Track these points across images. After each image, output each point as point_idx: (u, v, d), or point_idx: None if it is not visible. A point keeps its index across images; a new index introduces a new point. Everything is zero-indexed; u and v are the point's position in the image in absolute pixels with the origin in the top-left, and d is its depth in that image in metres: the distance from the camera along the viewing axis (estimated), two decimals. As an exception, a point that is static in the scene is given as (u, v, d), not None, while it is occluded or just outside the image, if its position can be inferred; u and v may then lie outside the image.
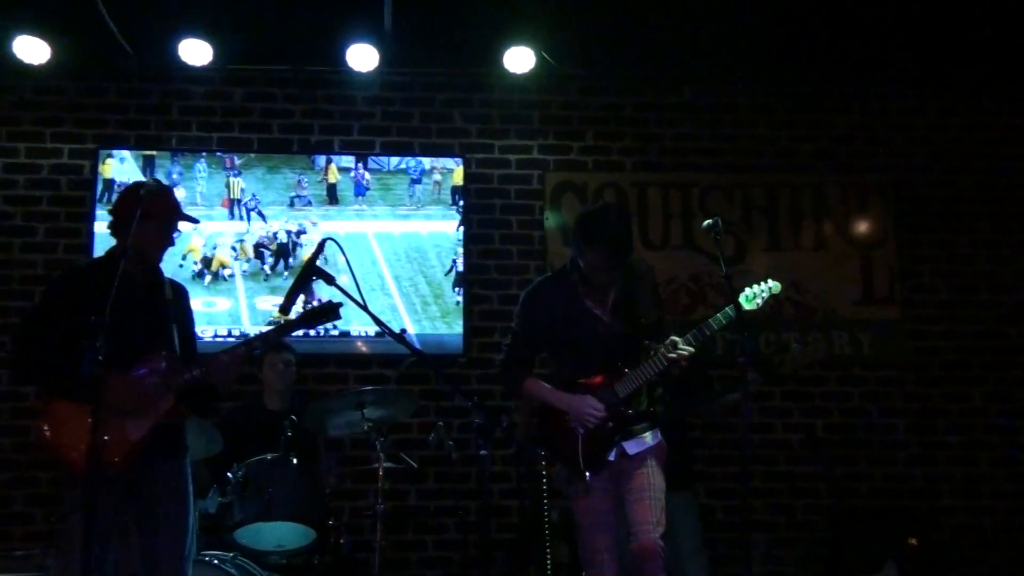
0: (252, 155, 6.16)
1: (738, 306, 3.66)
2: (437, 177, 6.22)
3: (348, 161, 6.21)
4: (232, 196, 6.09)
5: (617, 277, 3.74)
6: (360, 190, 6.19)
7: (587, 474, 3.67)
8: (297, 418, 4.58)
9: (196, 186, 6.09)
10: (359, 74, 6.01)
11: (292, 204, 6.11)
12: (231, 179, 6.11)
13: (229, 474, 4.34)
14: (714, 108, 6.40)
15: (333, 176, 6.19)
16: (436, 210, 6.17)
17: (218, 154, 6.13)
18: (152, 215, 3.50)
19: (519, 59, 5.94)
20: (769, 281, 3.85)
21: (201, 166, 6.13)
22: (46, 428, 3.35)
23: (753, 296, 3.81)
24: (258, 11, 5.64)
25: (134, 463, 3.39)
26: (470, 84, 6.28)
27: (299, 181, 6.14)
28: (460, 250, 6.12)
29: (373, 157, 6.21)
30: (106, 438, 3.30)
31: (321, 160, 6.19)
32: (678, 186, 6.30)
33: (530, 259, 6.16)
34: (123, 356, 3.40)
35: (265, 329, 3.70)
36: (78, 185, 5.97)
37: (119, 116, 6.08)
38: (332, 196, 6.15)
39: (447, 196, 6.19)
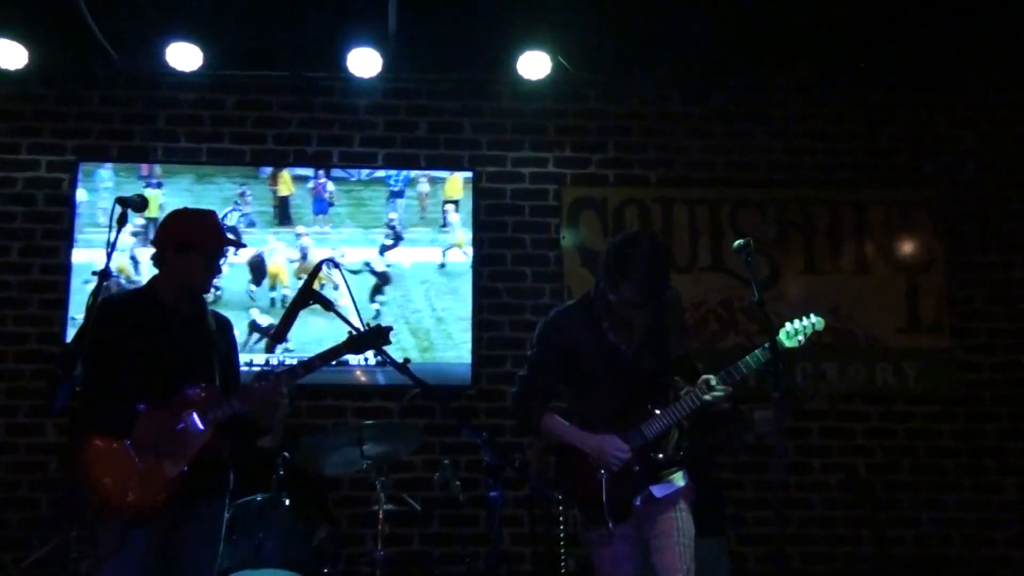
0: (176, 161, 5.78)
1: (775, 344, 3.63)
2: (424, 187, 5.74)
3: (305, 168, 5.76)
4: (148, 213, 5.44)
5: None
6: (321, 206, 5.67)
7: (610, 523, 3.62)
8: (290, 455, 4.56)
9: (98, 200, 5.52)
10: (361, 80, 6.03)
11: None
12: (147, 192, 5.62)
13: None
14: (745, 117, 6.42)
15: (285, 187, 5.72)
16: (422, 233, 5.69)
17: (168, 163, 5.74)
18: (194, 244, 3.59)
19: (534, 64, 5.95)
20: (812, 316, 3.82)
21: (105, 174, 5.58)
22: (87, 468, 3.40)
23: (795, 333, 3.79)
24: (251, 13, 5.68)
25: (174, 501, 3.44)
26: (481, 91, 6.31)
27: (242, 194, 5.66)
28: (380, 257, 5.62)
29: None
30: (143, 474, 3.39)
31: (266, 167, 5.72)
32: (706, 202, 6.30)
33: (545, 282, 6.16)
34: (161, 389, 3.49)
35: (308, 356, 3.70)
36: (56, 200, 6.00)
37: (101, 125, 6.14)
38: (283, 214, 5.69)
39: (437, 214, 5.74)
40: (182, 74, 5.94)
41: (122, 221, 3.46)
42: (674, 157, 6.37)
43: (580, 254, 6.16)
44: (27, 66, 5.84)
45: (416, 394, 5.49)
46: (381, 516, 4.41)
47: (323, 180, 5.68)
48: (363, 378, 5.86)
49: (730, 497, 5.71)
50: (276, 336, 3.46)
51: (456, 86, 6.31)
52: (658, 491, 3.68)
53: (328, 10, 5.66)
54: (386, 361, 3.43)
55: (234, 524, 4.29)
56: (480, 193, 6.18)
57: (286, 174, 5.78)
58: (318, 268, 3.58)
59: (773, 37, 5.88)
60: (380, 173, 5.82)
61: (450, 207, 6.00)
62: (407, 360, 3.38)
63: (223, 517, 3.67)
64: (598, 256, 3.93)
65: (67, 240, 5.92)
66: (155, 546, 3.43)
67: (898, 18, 5.72)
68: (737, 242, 3.72)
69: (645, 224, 6.20)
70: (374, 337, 3.52)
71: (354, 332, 3.46)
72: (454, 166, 6.20)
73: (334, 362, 5.63)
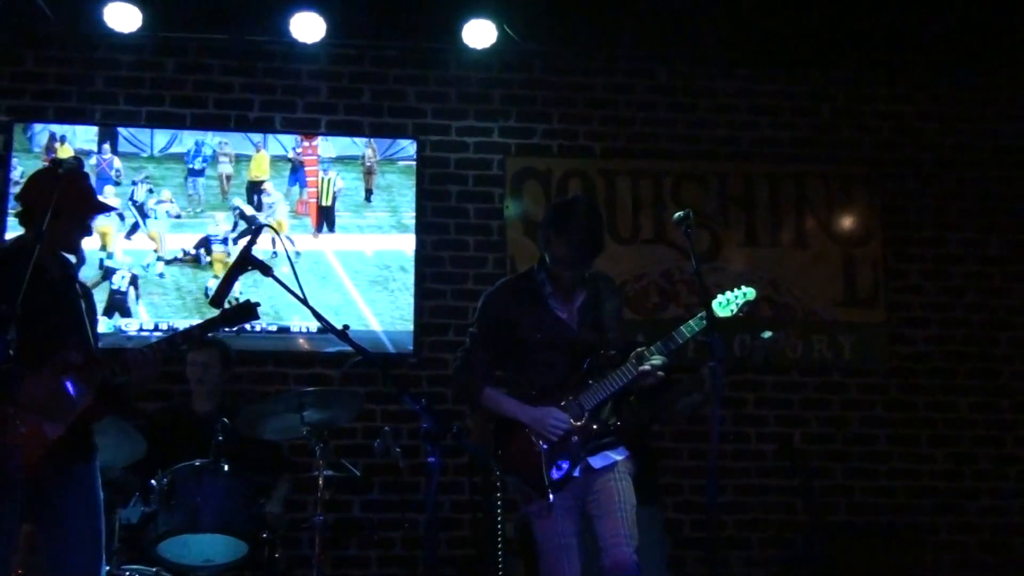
0: (116, 124, 5.58)
1: (710, 312, 3.71)
2: (226, 168, 5.48)
3: (88, 140, 5.28)
4: None
5: (584, 279, 3.80)
6: (107, 182, 5.24)
7: (550, 494, 3.67)
8: (230, 421, 4.56)
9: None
10: (304, 45, 5.96)
11: None
12: None
13: (153, 481, 4.31)
14: (690, 91, 6.44)
15: None
16: (219, 218, 5.44)
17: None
18: (64, 204, 3.48)
19: (479, 33, 5.92)
20: (743, 287, 3.92)
21: None
22: None
23: (727, 303, 3.88)
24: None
25: (49, 465, 3.40)
26: (425, 59, 6.27)
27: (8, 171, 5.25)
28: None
29: (130, 136, 5.58)
30: (25, 436, 3.31)
31: (43, 136, 5.33)
32: (650, 175, 6.34)
33: (488, 251, 6.17)
34: (40, 352, 3.41)
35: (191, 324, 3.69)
36: (-11, 162, 5.87)
37: (37, 86, 5.97)
38: None
39: (239, 195, 5.44)
40: (120, 35, 5.80)
41: None
42: (618, 129, 6.38)
43: (523, 224, 6.17)
44: (-41, 24, 5.72)
45: (357, 361, 5.50)
46: (321, 482, 4.42)
47: (108, 156, 5.34)
48: (305, 345, 5.87)
49: (667, 465, 5.80)
50: (214, 301, 3.44)
51: (400, 53, 6.26)
52: (596, 462, 3.76)
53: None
54: (327, 328, 3.43)
55: (172, 489, 4.28)
56: (424, 162, 6.17)
57: (68, 147, 5.46)
58: (257, 232, 3.55)
59: (717, 13, 5.92)
60: (177, 149, 5.48)
61: (265, 187, 5.74)
62: (346, 327, 3.39)
63: (98, 481, 3.63)
64: (542, 226, 3.99)
65: (0, 203, 5.82)
66: (24, 507, 3.35)
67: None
68: (677, 214, 3.75)
69: (589, 196, 6.23)
70: (243, 313, 3.66)
71: (227, 307, 3.59)
72: (398, 134, 6.18)
73: (275, 328, 5.74)
